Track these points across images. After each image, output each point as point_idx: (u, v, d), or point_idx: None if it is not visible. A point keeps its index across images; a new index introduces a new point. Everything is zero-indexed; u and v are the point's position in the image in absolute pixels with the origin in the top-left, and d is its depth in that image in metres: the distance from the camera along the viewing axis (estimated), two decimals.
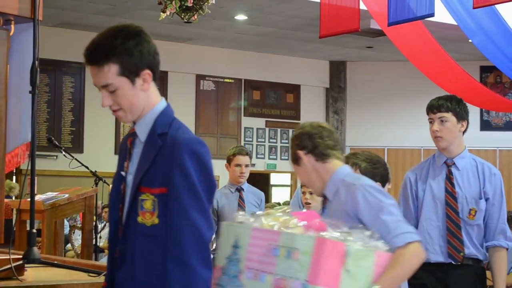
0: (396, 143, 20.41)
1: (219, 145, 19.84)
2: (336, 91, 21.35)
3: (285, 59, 20.30)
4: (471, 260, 4.63)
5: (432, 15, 10.07)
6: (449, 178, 4.72)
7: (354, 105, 21.30)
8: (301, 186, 5.76)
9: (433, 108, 4.77)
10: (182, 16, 9.79)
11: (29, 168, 4.64)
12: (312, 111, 21.08)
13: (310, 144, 3.69)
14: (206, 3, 9.76)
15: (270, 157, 20.35)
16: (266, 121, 20.57)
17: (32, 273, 4.32)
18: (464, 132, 4.86)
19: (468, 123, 4.88)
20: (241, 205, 6.58)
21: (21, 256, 4.29)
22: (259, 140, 20.40)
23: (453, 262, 4.64)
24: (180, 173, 3.11)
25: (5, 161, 4.22)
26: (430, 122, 4.78)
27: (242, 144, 20.05)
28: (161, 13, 9.83)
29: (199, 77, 19.69)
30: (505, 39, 11.71)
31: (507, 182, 20.47)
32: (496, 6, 10.35)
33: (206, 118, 19.72)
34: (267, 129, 20.52)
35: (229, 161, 6.72)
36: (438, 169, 4.75)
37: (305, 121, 4.10)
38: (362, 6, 10.96)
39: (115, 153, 18.02)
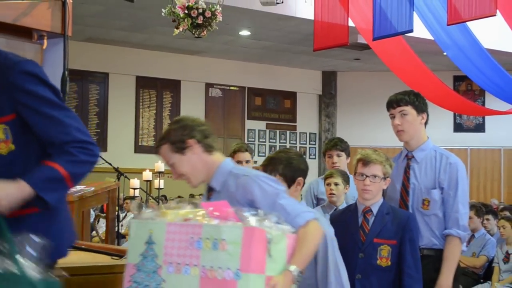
0: (380, 143, 20.32)
1: (225, 145, 19.76)
2: (327, 98, 21.34)
3: (283, 70, 20.29)
4: (432, 251, 4.26)
5: (411, 31, 10.06)
6: (406, 172, 4.42)
7: (343, 110, 21.31)
8: (326, 178, 5.58)
9: (393, 103, 4.50)
10: (193, 32, 9.77)
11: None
12: (306, 115, 21.12)
13: (200, 135, 3.44)
14: (214, 21, 9.75)
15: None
16: (267, 123, 20.59)
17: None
18: (425, 124, 4.53)
19: (427, 115, 4.53)
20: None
21: None
22: (260, 140, 20.40)
23: None
24: (30, 96, 2.92)
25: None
26: (392, 118, 4.51)
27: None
28: (175, 29, 9.81)
29: (208, 85, 19.69)
30: (476, 52, 11.70)
31: (477, 178, 20.51)
32: (467, 23, 10.33)
33: (214, 121, 19.68)
34: (267, 130, 20.53)
35: (231, 157, 6.51)
36: (401, 163, 4.48)
37: (184, 115, 3.83)
38: (351, 23, 10.96)
39: (135, 152, 18.07)
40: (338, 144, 6.06)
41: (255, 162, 20.96)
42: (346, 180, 5.48)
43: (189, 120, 3.55)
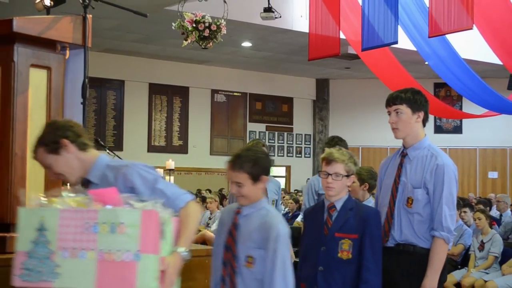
0: (368, 143, 20.42)
1: (229, 145, 19.85)
2: (321, 102, 21.34)
3: (281, 77, 20.30)
4: (412, 247, 3.95)
5: (396, 42, 10.05)
6: (398, 168, 4.11)
7: (335, 113, 21.32)
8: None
9: (389, 101, 4.18)
10: (200, 44, 9.78)
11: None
12: (302, 118, 21.15)
13: (73, 134, 3.22)
14: (219, 33, 9.75)
15: (269, 154, 20.33)
16: (266, 126, 20.60)
17: None
18: (424, 122, 4.18)
19: (425, 114, 4.18)
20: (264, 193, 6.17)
21: None
22: (269, 141, 20.40)
23: (386, 246, 3.99)
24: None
25: None
26: (389, 115, 4.17)
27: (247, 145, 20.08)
28: (184, 41, 9.82)
29: (214, 91, 19.70)
30: (454, 62, 11.70)
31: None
32: (447, 35, 10.34)
33: (219, 124, 19.73)
34: (267, 132, 20.53)
35: None
36: (397, 159, 4.17)
37: (54, 118, 3.68)
38: (342, 36, 10.95)
39: (148, 151, 18.08)
40: (339, 143, 5.81)
41: None
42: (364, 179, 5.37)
43: (60, 122, 3.40)
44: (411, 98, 4.08)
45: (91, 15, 4.44)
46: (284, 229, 3.50)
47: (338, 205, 3.94)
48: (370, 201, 5.21)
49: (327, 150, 4.12)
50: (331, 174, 3.90)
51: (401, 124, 4.07)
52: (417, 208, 3.94)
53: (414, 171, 4.03)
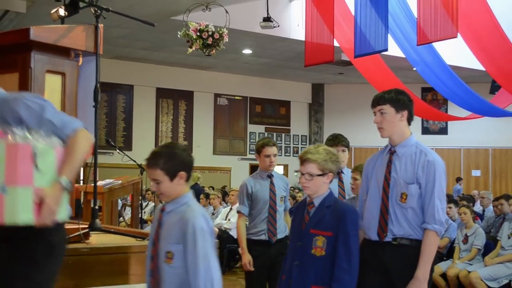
0: (360, 143, 20.42)
1: (230, 145, 19.87)
2: (316, 106, 21.36)
3: (279, 82, 20.31)
4: (409, 241, 3.81)
5: (386, 50, 10.06)
6: (388, 165, 3.95)
7: (330, 116, 21.34)
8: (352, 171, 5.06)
9: (374, 102, 4.02)
10: (204, 51, 9.79)
11: (93, 161, 4.66)
12: (299, 120, 21.16)
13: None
14: (221, 41, 9.77)
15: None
16: (265, 127, 20.60)
17: (95, 238, 4.32)
18: (409, 121, 4.02)
19: (409, 112, 4.01)
20: (272, 189, 5.71)
21: (87, 226, 4.30)
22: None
23: (384, 241, 3.83)
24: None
25: None
26: (374, 115, 4.02)
27: (248, 144, 20.09)
28: (189, 49, 9.84)
29: (216, 95, 19.72)
30: (440, 68, 11.70)
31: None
32: (433, 43, 10.34)
33: (221, 125, 19.74)
34: (266, 133, 20.53)
35: (258, 152, 5.79)
36: (385, 157, 4.01)
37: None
38: (336, 44, 10.96)
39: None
40: (344, 140, 5.58)
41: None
42: None
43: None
44: (394, 98, 3.96)
45: (102, 25, 4.45)
46: (201, 223, 3.23)
47: (317, 202, 3.77)
48: None
49: (304, 148, 3.97)
50: (304, 174, 3.73)
51: (385, 124, 3.94)
52: (411, 202, 3.82)
53: (404, 167, 3.89)
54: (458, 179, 19.20)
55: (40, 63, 3.90)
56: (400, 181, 3.86)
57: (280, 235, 5.50)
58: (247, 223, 5.74)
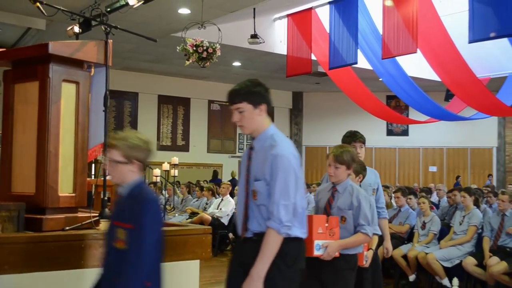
0: (334, 143, 20.33)
1: (222, 144, 19.87)
2: (296, 111, 21.38)
3: None
4: (259, 235, 3.12)
5: (356, 63, 10.12)
6: (247, 161, 3.31)
7: (308, 120, 21.37)
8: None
9: (229, 99, 3.36)
10: (199, 63, 9.79)
11: (103, 158, 4.66)
12: (281, 123, 21.12)
13: None
14: (215, 55, 9.76)
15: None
16: None
17: (105, 225, 4.31)
18: (269, 112, 3.33)
19: (268, 104, 3.30)
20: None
21: (97, 214, 4.29)
22: (248, 141, 20.40)
23: (245, 236, 3.22)
24: None
25: (88, 154, 4.23)
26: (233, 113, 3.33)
27: (237, 144, 20.10)
28: (186, 61, 9.83)
29: (210, 102, 19.71)
30: (402, 78, 11.75)
31: (403, 169, 20.60)
32: (396, 57, 10.39)
33: (214, 128, 19.73)
34: None
35: None
36: (248, 152, 3.37)
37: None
38: (313, 57, 11.00)
39: (157, 150, 18.02)
40: (361, 137, 4.97)
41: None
42: (359, 170, 4.56)
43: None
44: (249, 93, 3.30)
45: (111, 40, 4.43)
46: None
47: (124, 192, 3.07)
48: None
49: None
50: (109, 161, 3.07)
51: (245, 121, 3.28)
52: (261, 199, 3.16)
53: (257, 163, 3.24)
54: (489, 175, 19.25)
55: (57, 73, 3.89)
56: (252, 177, 3.24)
57: None
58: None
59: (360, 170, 4.60)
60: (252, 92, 3.29)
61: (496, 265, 6.99)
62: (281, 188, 3.07)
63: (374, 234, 4.41)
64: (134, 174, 3.05)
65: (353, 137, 4.99)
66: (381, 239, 4.96)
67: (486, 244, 7.37)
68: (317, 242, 3.77)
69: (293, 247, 3.16)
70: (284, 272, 3.13)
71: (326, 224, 3.81)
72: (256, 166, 3.21)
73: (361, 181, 4.58)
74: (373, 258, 4.57)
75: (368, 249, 4.39)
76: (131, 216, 2.92)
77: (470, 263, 7.29)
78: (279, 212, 3.06)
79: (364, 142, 4.97)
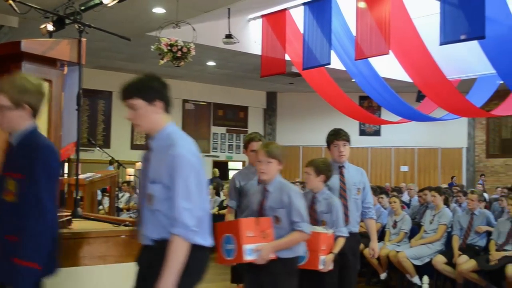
0: (308, 143, 20.53)
1: (196, 144, 19.78)
2: (270, 111, 21.40)
3: (239, 90, 20.31)
4: (161, 243, 2.76)
5: (329, 63, 10.16)
6: (144, 163, 3.04)
7: (281, 119, 21.40)
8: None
9: (122, 95, 2.93)
10: (174, 63, 9.75)
11: (76, 157, 4.62)
12: (255, 123, 21.16)
13: None
14: (189, 54, 9.73)
15: (229, 151, 20.35)
16: (227, 129, 20.58)
17: (77, 224, 4.28)
18: (167, 109, 2.99)
19: (164, 101, 2.97)
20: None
21: (70, 213, 4.25)
22: (221, 141, 20.40)
23: (144, 243, 2.92)
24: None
25: (61, 153, 4.19)
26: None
27: (211, 143, 20.07)
28: (160, 60, 9.78)
29: (184, 101, 19.62)
30: (375, 79, 11.84)
31: (375, 168, 20.74)
32: (369, 58, 10.46)
33: (188, 127, 19.64)
34: (227, 134, 20.52)
35: (245, 147, 4.99)
36: (146, 153, 3.07)
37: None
38: (287, 57, 11.02)
39: (131, 149, 17.93)
40: (345, 135, 4.80)
41: (217, 156, 20.83)
42: (321, 170, 4.41)
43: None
44: (143, 88, 2.94)
45: (85, 39, 4.40)
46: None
47: (15, 141, 2.78)
48: (324, 192, 4.46)
49: None
50: None
51: (139, 119, 2.93)
52: (157, 205, 2.83)
53: (154, 164, 2.92)
54: (452, 177, 19.35)
55: (30, 72, 3.83)
56: (148, 181, 2.92)
57: None
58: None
59: (324, 170, 4.43)
60: (146, 87, 2.94)
61: (465, 263, 7.09)
62: (182, 191, 2.76)
63: (340, 236, 4.32)
64: (25, 121, 2.78)
65: (336, 135, 4.85)
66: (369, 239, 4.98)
67: (456, 243, 7.46)
68: (247, 247, 3.50)
69: (196, 256, 2.81)
70: (188, 282, 2.81)
71: (257, 226, 3.58)
72: (153, 168, 2.88)
73: (325, 182, 4.44)
74: (345, 261, 4.45)
75: (329, 253, 4.21)
76: (22, 165, 2.68)
77: (440, 261, 7.38)
78: (182, 217, 2.74)
79: (348, 141, 4.83)
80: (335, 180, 4.65)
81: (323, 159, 4.63)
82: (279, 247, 3.64)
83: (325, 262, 4.11)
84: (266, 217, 3.70)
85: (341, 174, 4.76)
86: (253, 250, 3.53)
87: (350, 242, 4.53)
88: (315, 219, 4.32)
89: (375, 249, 4.99)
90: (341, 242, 4.34)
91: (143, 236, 2.91)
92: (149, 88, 2.93)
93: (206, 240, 2.87)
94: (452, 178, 19.24)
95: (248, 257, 3.52)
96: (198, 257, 2.83)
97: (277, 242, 3.63)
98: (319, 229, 4.15)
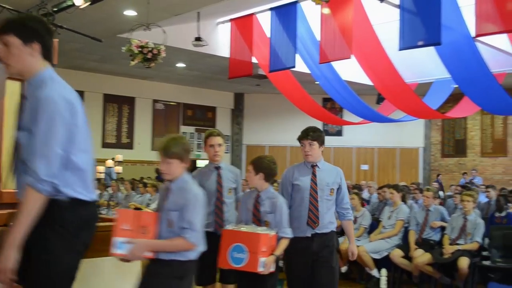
0: (273, 143, 20.57)
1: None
2: (237, 111, 21.38)
3: (207, 91, 20.24)
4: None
5: (294, 66, 10.17)
6: (17, 112, 2.73)
7: (248, 120, 21.39)
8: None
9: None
10: (144, 64, 9.65)
11: None
12: (223, 123, 21.11)
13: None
14: (159, 56, 9.65)
15: (198, 150, 20.26)
16: (196, 128, 20.48)
17: None
18: (46, 56, 2.63)
19: (43, 46, 2.62)
20: (219, 181, 4.71)
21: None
22: (190, 140, 20.30)
23: None
24: None
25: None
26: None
27: None
28: (131, 62, 9.67)
29: (155, 101, 19.48)
30: (337, 82, 11.91)
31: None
32: (332, 62, 10.51)
33: (158, 126, 19.52)
34: (196, 133, 20.42)
35: (205, 143, 4.79)
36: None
37: None
38: (254, 60, 11.02)
39: (102, 147, 17.70)
40: (309, 134, 4.51)
41: None
42: (263, 168, 4.16)
43: None
44: (21, 26, 2.56)
45: (57, 40, 4.32)
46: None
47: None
48: (269, 191, 4.16)
49: None
50: None
51: (10, 58, 2.57)
52: (24, 153, 2.48)
53: (26, 111, 2.58)
54: (438, 175, 19.36)
55: (1, 71, 3.76)
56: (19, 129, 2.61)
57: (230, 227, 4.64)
58: None
59: (263, 168, 4.14)
60: (25, 25, 2.57)
61: (421, 256, 7.20)
62: (42, 136, 2.42)
63: (283, 237, 4.04)
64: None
65: (302, 134, 4.55)
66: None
67: (412, 237, 7.57)
68: (117, 239, 3.15)
69: (73, 212, 2.50)
70: (68, 242, 2.49)
71: (136, 221, 3.20)
72: (25, 115, 2.55)
73: (267, 181, 4.16)
74: (319, 260, 4.28)
75: (270, 255, 3.87)
76: None
77: (397, 255, 7.47)
78: (35, 164, 2.40)
79: (316, 140, 4.48)
80: (306, 179, 4.39)
81: (266, 157, 4.29)
82: (156, 248, 3.18)
83: (265, 264, 3.78)
84: (151, 212, 3.37)
85: (313, 174, 4.44)
86: (124, 244, 3.13)
87: (323, 241, 4.35)
88: (258, 219, 4.08)
89: (353, 251, 4.74)
90: (284, 244, 4.04)
91: (18, 195, 2.56)
92: (29, 28, 2.57)
93: (84, 195, 2.56)
94: (437, 176, 19.27)
95: (117, 251, 3.15)
96: (78, 214, 2.53)
97: (155, 242, 3.20)
98: (260, 229, 3.86)
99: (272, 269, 3.88)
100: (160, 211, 3.30)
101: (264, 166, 4.16)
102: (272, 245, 3.89)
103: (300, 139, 4.51)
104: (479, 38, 8.84)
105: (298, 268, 4.33)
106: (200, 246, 3.26)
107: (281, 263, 4.43)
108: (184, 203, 3.21)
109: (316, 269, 4.28)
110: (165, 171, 3.30)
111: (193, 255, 3.26)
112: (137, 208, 12.48)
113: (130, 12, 10.79)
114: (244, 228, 3.89)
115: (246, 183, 9.22)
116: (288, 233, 4.07)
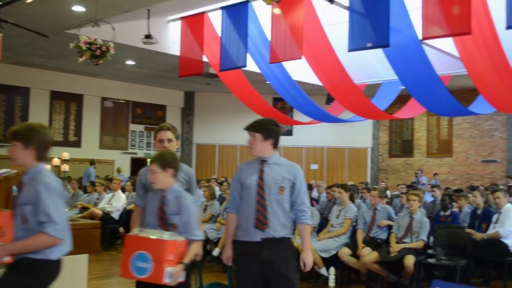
0: (223, 142, 20.57)
1: (114, 141, 19.40)
2: (188, 110, 21.28)
3: (157, 89, 20.07)
4: None
5: (245, 66, 10.18)
6: None
7: (198, 118, 21.32)
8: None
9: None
10: (93, 61, 9.50)
11: None
12: (173, 121, 20.87)
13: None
14: (108, 53, 9.51)
15: (147, 149, 20.07)
16: (145, 127, 20.28)
17: None
18: None
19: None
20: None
21: None
22: (140, 138, 20.08)
23: None
24: None
25: None
26: None
27: (129, 141, 19.73)
28: (79, 58, 9.50)
29: (103, 99, 19.19)
30: (287, 82, 11.99)
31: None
32: (283, 62, 10.57)
33: (107, 124, 19.24)
34: (145, 132, 20.22)
35: (154, 137, 4.40)
36: None
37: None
38: (205, 59, 10.98)
39: None
40: (253, 125, 4.06)
41: (135, 153, 20.53)
42: (167, 164, 3.68)
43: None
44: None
45: (1, 34, 4.21)
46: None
47: None
48: (175, 189, 3.68)
49: None
50: None
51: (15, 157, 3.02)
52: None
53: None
54: (435, 174, 18.75)
55: None
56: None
57: None
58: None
59: (170, 162, 3.71)
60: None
61: (368, 254, 7.32)
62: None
63: (194, 240, 3.55)
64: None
65: (247, 125, 4.11)
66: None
67: (360, 236, 7.70)
68: None
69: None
70: None
71: None
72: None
73: (174, 176, 3.71)
74: (273, 271, 3.76)
75: (178, 263, 3.41)
76: None
77: (345, 253, 7.58)
78: None
79: (259, 132, 4.06)
80: (253, 176, 3.92)
81: (167, 151, 3.92)
82: (16, 251, 2.95)
83: (171, 275, 3.31)
84: (4, 211, 3.12)
85: (261, 170, 3.97)
86: None
87: (276, 248, 3.82)
88: (165, 223, 3.57)
89: (305, 261, 4.04)
90: (194, 248, 3.55)
91: None
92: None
93: None
94: (434, 175, 18.76)
95: None
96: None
97: (13, 245, 2.96)
98: (167, 235, 3.39)
99: (181, 279, 3.39)
100: (14, 207, 3.02)
101: (171, 160, 3.71)
102: (181, 252, 3.41)
103: (245, 129, 4.05)
104: (426, 41, 9.06)
105: (248, 276, 3.80)
106: (65, 241, 3.00)
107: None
108: (36, 195, 2.94)
109: (271, 282, 3.79)
110: (10, 156, 3.12)
111: (55, 254, 3.01)
112: (84, 208, 12.28)
113: (78, 8, 10.59)
114: (148, 234, 3.38)
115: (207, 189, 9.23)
116: (198, 235, 3.59)
